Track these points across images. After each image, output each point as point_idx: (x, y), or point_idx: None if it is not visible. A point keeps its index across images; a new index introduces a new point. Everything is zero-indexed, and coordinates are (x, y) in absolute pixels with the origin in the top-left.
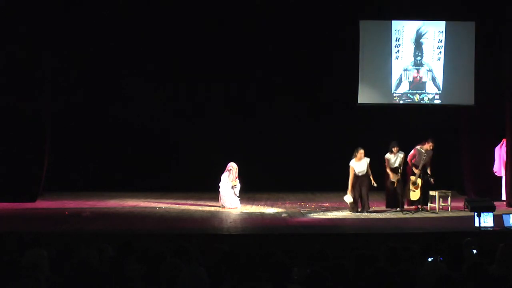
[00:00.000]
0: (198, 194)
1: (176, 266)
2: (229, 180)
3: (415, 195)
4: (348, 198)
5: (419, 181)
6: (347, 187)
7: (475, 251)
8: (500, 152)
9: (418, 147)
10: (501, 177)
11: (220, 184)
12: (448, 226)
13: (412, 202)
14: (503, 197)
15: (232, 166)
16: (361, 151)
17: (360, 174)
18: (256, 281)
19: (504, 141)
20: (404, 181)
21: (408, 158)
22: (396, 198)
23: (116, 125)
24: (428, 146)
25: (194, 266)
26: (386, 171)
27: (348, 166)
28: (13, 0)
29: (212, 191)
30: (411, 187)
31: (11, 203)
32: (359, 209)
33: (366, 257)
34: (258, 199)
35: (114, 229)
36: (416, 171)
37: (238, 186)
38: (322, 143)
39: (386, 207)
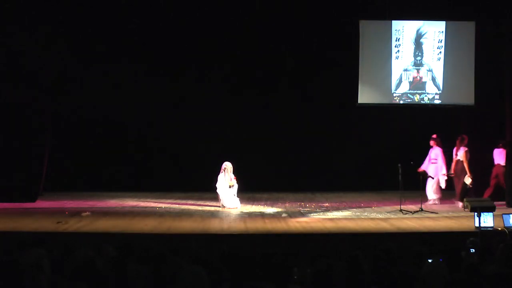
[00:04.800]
0: (198, 194)
1: (176, 266)
2: (225, 180)
3: None
4: (468, 179)
5: None
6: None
7: (473, 251)
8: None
9: None
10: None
11: (216, 185)
12: (448, 226)
13: None
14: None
15: (227, 165)
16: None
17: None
18: (256, 281)
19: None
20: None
21: None
22: None
23: (115, 125)
24: None
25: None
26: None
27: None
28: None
29: (212, 191)
30: None
31: (11, 203)
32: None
33: (366, 257)
34: (258, 199)
35: (114, 229)
36: None
37: (236, 186)
38: (322, 143)
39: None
